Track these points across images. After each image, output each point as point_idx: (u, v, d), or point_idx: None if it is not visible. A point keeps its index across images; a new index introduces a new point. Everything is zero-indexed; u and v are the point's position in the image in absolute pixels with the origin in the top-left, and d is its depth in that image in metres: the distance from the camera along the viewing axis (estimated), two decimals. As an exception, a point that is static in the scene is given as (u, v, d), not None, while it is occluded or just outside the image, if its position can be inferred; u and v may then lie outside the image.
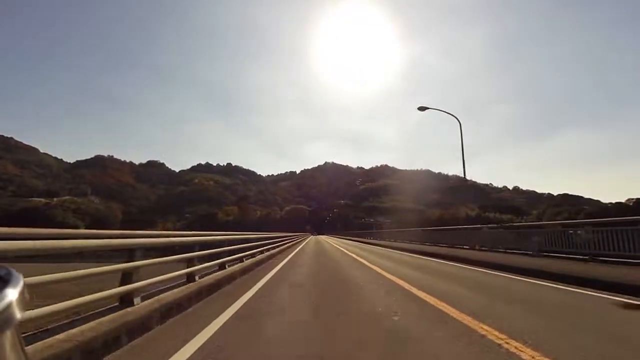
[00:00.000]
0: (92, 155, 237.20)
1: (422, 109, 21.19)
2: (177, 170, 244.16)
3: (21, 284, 0.45)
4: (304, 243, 33.22)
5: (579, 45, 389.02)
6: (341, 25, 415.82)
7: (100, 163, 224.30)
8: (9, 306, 0.41)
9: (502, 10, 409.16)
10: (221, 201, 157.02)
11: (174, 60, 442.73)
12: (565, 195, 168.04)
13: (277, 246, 18.34)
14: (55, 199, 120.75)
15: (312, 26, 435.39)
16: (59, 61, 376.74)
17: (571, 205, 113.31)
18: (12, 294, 0.42)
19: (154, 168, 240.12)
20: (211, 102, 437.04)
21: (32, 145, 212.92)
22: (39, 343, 2.69)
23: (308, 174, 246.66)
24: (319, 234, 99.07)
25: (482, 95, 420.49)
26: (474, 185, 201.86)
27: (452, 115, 20.81)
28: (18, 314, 0.42)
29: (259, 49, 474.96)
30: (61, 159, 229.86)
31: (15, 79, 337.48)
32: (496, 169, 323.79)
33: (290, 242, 27.39)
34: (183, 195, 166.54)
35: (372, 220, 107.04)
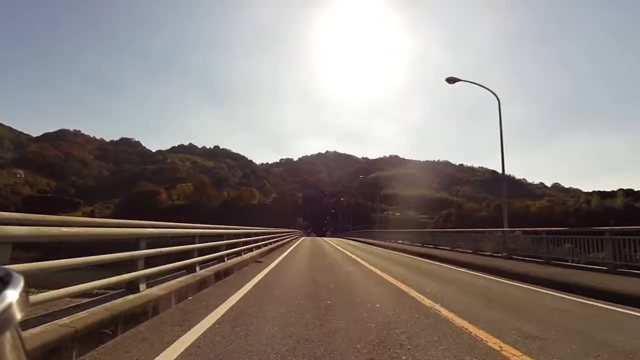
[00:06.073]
0: (57, 129, 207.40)
1: (451, 80, 15.71)
2: (153, 150, 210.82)
3: (21, 285, 0.44)
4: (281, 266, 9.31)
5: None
6: (346, 16, 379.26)
7: (65, 138, 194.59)
8: (9, 307, 0.40)
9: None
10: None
11: (167, 45, 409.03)
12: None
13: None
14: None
15: (316, 16, 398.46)
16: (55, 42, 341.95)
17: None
18: (12, 295, 0.42)
19: (127, 146, 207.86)
20: (207, 89, 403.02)
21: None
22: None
23: (306, 161, 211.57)
24: (317, 235, 64.07)
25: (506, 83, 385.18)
26: (510, 179, 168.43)
27: (489, 89, 14.86)
28: (18, 315, 0.41)
29: (259, 40, 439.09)
30: (27, 134, 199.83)
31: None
32: (523, 164, 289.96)
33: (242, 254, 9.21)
34: (144, 176, 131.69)
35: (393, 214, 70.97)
